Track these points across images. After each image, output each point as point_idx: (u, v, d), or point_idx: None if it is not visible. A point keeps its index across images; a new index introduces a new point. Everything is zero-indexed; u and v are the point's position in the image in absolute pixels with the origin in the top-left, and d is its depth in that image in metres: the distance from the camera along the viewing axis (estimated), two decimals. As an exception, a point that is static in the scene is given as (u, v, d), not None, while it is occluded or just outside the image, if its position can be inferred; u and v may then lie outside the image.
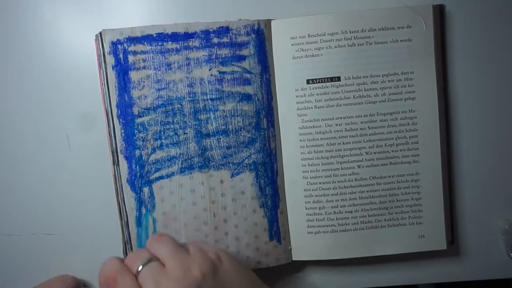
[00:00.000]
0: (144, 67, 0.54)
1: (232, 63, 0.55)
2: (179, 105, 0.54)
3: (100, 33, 0.54)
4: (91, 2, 0.57)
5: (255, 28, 0.54)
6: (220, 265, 0.46)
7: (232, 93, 0.55)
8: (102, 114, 0.56)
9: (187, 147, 0.55)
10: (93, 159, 0.58)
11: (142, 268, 0.44)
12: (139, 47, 0.54)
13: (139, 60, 0.54)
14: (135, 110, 0.54)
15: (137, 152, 0.55)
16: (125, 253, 0.56)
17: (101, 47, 0.54)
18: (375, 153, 0.56)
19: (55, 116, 0.57)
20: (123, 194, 0.55)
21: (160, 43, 0.54)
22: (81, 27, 0.57)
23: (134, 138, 0.54)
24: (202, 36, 0.54)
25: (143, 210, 0.55)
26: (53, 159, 0.58)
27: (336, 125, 0.56)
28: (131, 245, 0.56)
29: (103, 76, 0.54)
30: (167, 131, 0.55)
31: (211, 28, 0.54)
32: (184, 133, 0.55)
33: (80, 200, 0.58)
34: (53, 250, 0.59)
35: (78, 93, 0.57)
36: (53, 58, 0.57)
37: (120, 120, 0.54)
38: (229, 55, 0.54)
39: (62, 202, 0.58)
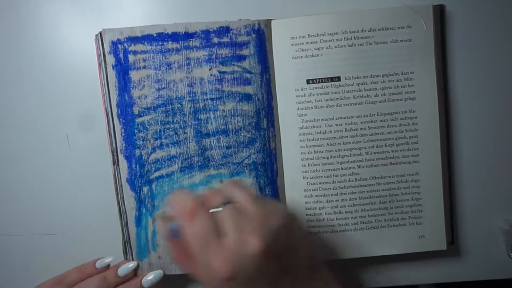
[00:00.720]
0: (144, 67, 0.54)
1: (232, 63, 0.55)
2: (179, 105, 0.54)
3: (100, 33, 0.54)
4: (91, 2, 0.57)
5: (256, 28, 0.54)
6: (293, 223, 0.47)
7: (232, 93, 0.55)
8: (102, 114, 0.56)
9: (187, 147, 0.55)
10: (93, 159, 0.58)
11: (222, 208, 0.45)
12: (139, 47, 0.54)
13: (139, 59, 0.54)
14: (135, 110, 0.54)
15: (137, 151, 0.55)
16: (125, 253, 0.56)
17: (101, 46, 0.54)
18: (375, 153, 0.56)
19: (55, 116, 0.58)
20: (123, 194, 0.55)
21: (160, 43, 0.54)
22: (81, 27, 0.57)
23: (134, 137, 0.54)
24: (202, 36, 0.54)
25: (143, 210, 0.55)
26: (53, 159, 0.58)
27: (336, 125, 0.56)
28: (130, 245, 0.56)
29: (103, 76, 0.54)
30: (167, 130, 0.55)
31: (211, 28, 0.54)
32: (184, 133, 0.55)
33: (80, 200, 0.58)
34: (53, 250, 0.59)
35: (78, 93, 0.57)
36: (53, 58, 0.57)
37: (120, 119, 0.54)
38: (229, 55, 0.54)
39: (62, 202, 0.58)
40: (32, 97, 0.57)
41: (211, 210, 0.45)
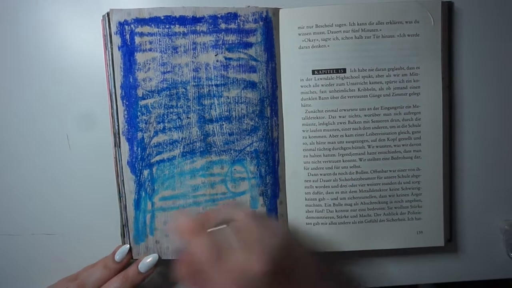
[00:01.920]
0: (150, 49, 0.54)
1: (239, 49, 0.54)
2: (183, 89, 0.54)
3: (108, 13, 0.53)
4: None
5: (263, 16, 0.54)
6: (293, 240, 0.48)
7: (237, 80, 0.55)
8: (104, 115, 0.56)
9: (189, 132, 0.55)
10: (93, 159, 0.58)
11: (223, 226, 0.45)
12: (146, 29, 0.53)
13: (145, 42, 0.54)
14: (139, 92, 0.54)
15: (139, 134, 0.54)
16: (123, 236, 0.56)
17: (107, 27, 0.53)
18: (377, 146, 0.56)
19: (55, 116, 0.57)
20: (123, 176, 0.55)
21: (167, 26, 0.53)
22: (82, 27, 0.57)
23: (137, 120, 0.54)
24: (210, 21, 0.54)
25: (142, 193, 0.55)
26: (53, 159, 0.58)
27: (340, 117, 0.55)
28: (128, 228, 0.55)
29: (108, 57, 0.54)
30: (171, 114, 0.54)
31: (219, 14, 0.54)
32: (187, 118, 0.55)
33: (80, 200, 0.58)
34: (53, 250, 0.59)
35: (79, 93, 0.57)
36: (52, 58, 0.57)
37: (124, 101, 0.54)
38: (236, 41, 0.54)
39: (62, 202, 0.58)
40: (32, 97, 0.57)
41: (212, 229, 0.45)
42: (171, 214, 0.50)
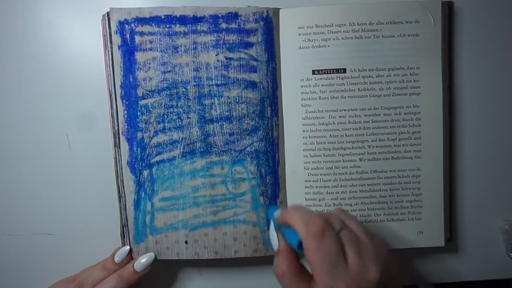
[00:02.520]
0: (150, 49, 0.53)
1: (239, 49, 0.54)
2: (183, 89, 0.54)
3: (108, 13, 0.53)
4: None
5: (264, 16, 0.54)
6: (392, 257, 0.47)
7: (238, 79, 0.54)
8: (104, 115, 0.56)
9: (189, 132, 0.55)
10: (93, 159, 0.58)
11: (341, 230, 0.45)
12: (146, 28, 0.53)
13: (145, 41, 0.53)
14: (139, 92, 0.54)
15: (139, 134, 0.54)
16: (123, 236, 0.56)
17: (107, 26, 0.53)
18: (377, 146, 0.56)
19: (55, 115, 0.57)
20: (122, 177, 0.55)
21: (168, 25, 0.53)
22: (82, 27, 0.57)
23: (137, 120, 0.54)
24: (211, 20, 0.54)
25: (142, 194, 0.55)
26: (53, 159, 0.58)
27: (340, 117, 0.55)
28: (128, 228, 0.55)
29: (108, 56, 0.54)
30: (171, 114, 0.54)
31: (220, 13, 0.54)
32: (188, 118, 0.54)
33: (80, 200, 0.58)
34: (53, 250, 0.59)
35: (79, 93, 0.57)
36: (52, 58, 0.57)
37: (124, 101, 0.54)
38: (237, 41, 0.54)
39: (62, 202, 0.58)
40: (31, 97, 0.57)
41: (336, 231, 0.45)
42: (289, 209, 0.48)
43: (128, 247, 0.55)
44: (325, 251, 0.43)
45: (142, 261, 0.54)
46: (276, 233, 0.49)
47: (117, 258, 0.54)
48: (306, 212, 0.46)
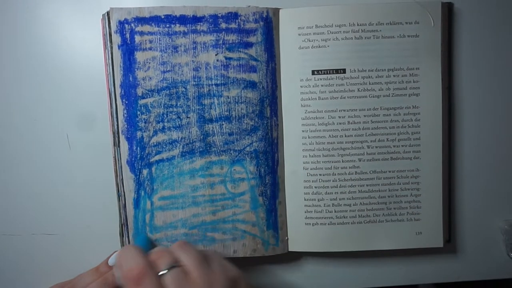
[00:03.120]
0: (150, 48, 0.54)
1: (239, 49, 0.54)
2: (183, 89, 0.54)
3: (108, 12, 0.53)
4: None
5: (264, 16, 0.54)
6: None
7: (237, 79, 0.54)
8: (104, 115, 0.56)
9: (189, 132, 0.55)
10: (93, 159, 0.57)
11: (167, 271, 0.44)
12: (146, 28, 0.53)
13: (145, 41, 0.53)
14: (139, 91, 0.54)
15: (139, 133, 0.54)
16: (122, 235, 0.56)
17: (107, 26, 0.53)
18: (376, 147, 0.56)
19: (55, 115, 0.57)
20: (122, 176, 0.55)
21: (167, 25, 0.53)
22: (82, 26, 0.57)
23: (136, 119, 0.54)
24: (210, 20, 0.54)
25: (141, 193, 0.55)
26: (53, 159, 0.57)
27: (339, 117, 0.55)
28: (127, 227, 0.55)
29: (108, 56, 0.54)
30: (170, 114, 0.54)
31: (219, 13, 0.54)
32: (187, 117, 0.54)
33: (80, 200, 0.58)
34: (53, 250, 0.59)
35: (79, 93, 0.57)
36: (52, 57, 0.57)
37: (123, 100, 0.54)
38: (237, 41, 0.54)
39: (62, 202, 0.58)
40: (31, 97, 0.57)
41: (163, 272, 0.44)
42: (120, 250, 0.48)
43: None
44: None
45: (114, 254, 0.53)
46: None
47: (111, 261, 0.53)
48: (130, 255, 0.45)
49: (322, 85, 0.55)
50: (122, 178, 0.55)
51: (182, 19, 0.53)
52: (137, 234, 0.55)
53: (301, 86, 0.55)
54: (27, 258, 0.59)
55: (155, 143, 0.54)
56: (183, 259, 0.46)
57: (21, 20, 0.56)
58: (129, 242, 0.56)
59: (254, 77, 0.55)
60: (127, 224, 0.55)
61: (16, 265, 0.59)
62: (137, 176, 0.55)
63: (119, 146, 0.55)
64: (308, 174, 0.56)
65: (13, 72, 0.57)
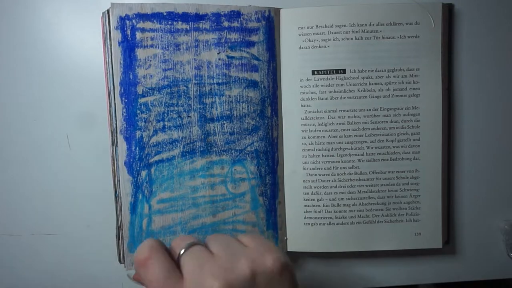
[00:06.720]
0: (151, 46, 0.52)
1: (241, 48, 0.54)
2: (184, 87, 0.53)
3: (108, 10, 0.52)
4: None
5: (266, 15, 0.54)
6: (278, 276, 0.39)
7: (239, 78, 0.54)
8: (103, 115, 0.55)
9: (190, 131, 0.54)
10: (93, 159, 0.57)
11: (185, 250, 0.40)
12: (148, 25, 0.52)
13: (147, 38, 0.52)
14: (139, 89, 0.53)
15: (138, 133, 0.53)
16: (118, 238, 0.55)
17: (107, 23, 0.52)
18: (376, 147, 0.56)
19: (55, 115, 0.56)
20: (119, 177, 0.53)
21: (170, 22, 0.52)
22: (81, 25, 0.56)
23: (136, 118, 0.53)
24: (213, 18, 0.53)
25: (139, 196, 0.53)
26: (53, 159, 0.57)
27: (339, 117, 0.55)
28: (123, 232, 0.54)
29: (108, 53, 0.52)
30: (171, 113, 0.53)
31: (222, 11, 0.53)
32: (188, 116, 0.54)
33: (80, 200, 0.57)
34: (53, 250, 0.58)
35: (79, 92, 0.56)
36: (51, 57, 0.56)
37: (123, 98, 0.53)
38: (239, 40, 0.54)
39: (62, 202, 0.57)
40: (31, 97, 0.56)
41: (177, 254, 0.41)
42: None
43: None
44: (151, 279, 0.38)
45: None
46: None
47: None
48: (145, 241, 0.41)
49: (322, 85, 0.55)
50: (119, 180, 0.53)
51: (185, 17, 0.53)
52: (132, 243, 0.54)
53: (301, 86, 0.55)
54: (27, 258, 0.58)
55: (154, 143, 0.53)
56: (211, 243, 0.41)
57: (20, 20, 0.55)
58: (124, 245, 0.54)
59: (255, 76, 0.54)
60: (122, 229, 0.54)
61: (16, 265, 0.58)
62: (135, 178, 0.53)
63: (117, 146, 0.53)
64: (308, 174, 0.56)
65: (13, 72, 0.56)
